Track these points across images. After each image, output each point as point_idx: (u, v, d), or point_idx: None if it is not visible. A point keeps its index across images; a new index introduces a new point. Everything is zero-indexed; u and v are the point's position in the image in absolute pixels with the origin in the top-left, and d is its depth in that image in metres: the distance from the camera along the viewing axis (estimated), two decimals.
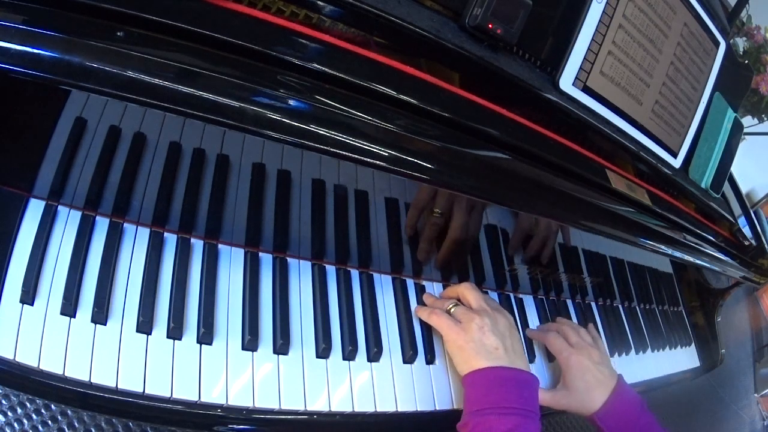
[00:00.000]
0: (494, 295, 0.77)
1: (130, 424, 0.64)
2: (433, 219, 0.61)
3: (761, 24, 1.35)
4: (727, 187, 1.00)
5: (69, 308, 0.47)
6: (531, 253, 0.72)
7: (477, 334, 0.60)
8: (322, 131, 0.42)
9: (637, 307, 1.02)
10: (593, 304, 0.92)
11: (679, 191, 0.83)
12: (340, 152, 0.44)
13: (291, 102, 0.42)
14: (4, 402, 0.59)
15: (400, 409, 0.58)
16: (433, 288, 0.71)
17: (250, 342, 0.53)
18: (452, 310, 0.64)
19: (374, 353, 0.60)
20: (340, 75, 0.45)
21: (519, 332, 0.67)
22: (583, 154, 0.65)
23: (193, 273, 0.54)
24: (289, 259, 0.61)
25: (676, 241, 0.75)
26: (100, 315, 0.48)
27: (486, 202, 0.60)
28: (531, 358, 0.74)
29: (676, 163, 0.82)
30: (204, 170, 0.50)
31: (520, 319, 0.77)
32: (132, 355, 0.48)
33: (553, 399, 0.69)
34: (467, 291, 0.66)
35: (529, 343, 0.75)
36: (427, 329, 0.66)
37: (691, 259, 0.78)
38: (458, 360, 0.61)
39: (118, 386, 0.46)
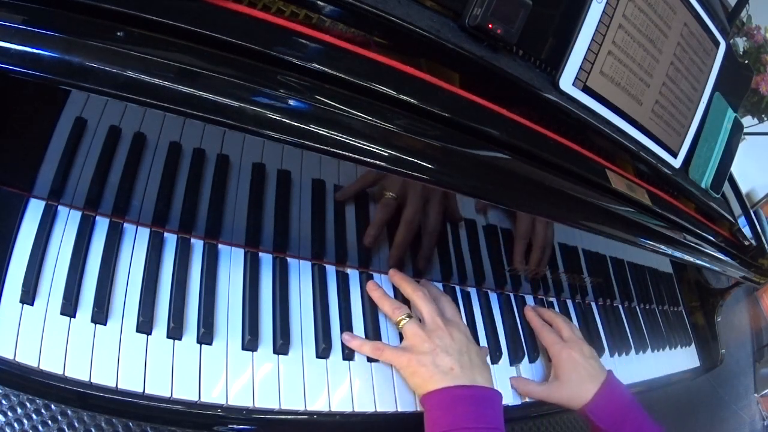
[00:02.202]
0: (494, 296, 0.77)
1: (130, 424, 0.64)
2: (385, 201, 0.56)
3: (761, 24, 1.36)
4: (727, 187, 1.00)
5: (69, 308, 0.47)
6: (534, 261, 0.72)
7: (429, 357, 0.57)
8: (322, 131, 0.42)
9: (637, 307, 1.02)
10: (593, 304, 0.92)
11: (679, 191, 0.83)
12: (340, 152, 0.44)
13: (291, 102, 0.42)
14: (4, 402, 0.59)
15: (400, 409, 0.58)
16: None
17: (250, 342, 0.53)
18: (402, 326, 0.60)
19: None
20: (340, 75, 0.45)
21: (475, 343, 0.63)
22: (583, 154, 0.65)
23: (193, 273, 0.54)
24: (289, 259, 0.61)
25: (676, 241, 0.75)
26: (100, 315, 0.48)
27: (450, 197, 0.58)
28: (533, 358, 0.74)
29: (676, 163, 0.82)
30: (204, 170, 0.50)
31: (520, 318, 0.77)
32: (132, 355, 0.48)
33: (545, 392, 0.70)
34: (420, 302, 0.62)
35: (532, 343, 0.75)
36: None
37: (691, 259, 0.78)
38: (413, 384, 0.58)
39: (118, 386, 0.46)
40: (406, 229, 0.60)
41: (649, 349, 0.99)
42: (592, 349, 0.73)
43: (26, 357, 0.43)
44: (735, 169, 0.99)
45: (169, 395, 0.47)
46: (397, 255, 0.65)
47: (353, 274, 0.65)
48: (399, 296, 0.66)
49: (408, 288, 0.64)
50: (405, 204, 0.58)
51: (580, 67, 0.65)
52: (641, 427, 0.66)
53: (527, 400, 0.70)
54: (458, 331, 0.61)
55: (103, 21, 0.37)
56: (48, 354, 0.44)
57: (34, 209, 0.50)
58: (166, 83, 0.37)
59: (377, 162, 0.45)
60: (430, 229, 0.62)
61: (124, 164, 0.48)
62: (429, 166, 0.48)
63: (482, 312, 0.74)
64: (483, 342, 0.71)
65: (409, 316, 0.61)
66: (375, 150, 0.45)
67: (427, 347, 0.58)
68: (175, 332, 0.50)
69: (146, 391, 0.47)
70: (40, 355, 0.44)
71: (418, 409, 0.59)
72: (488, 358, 0.69)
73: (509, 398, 0.69)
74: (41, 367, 0.44)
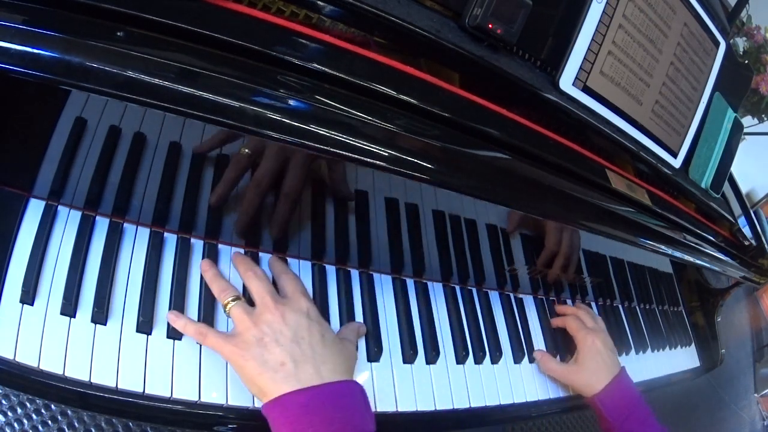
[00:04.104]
0: (494, 295, 0.77)
1: (130, 424, 0.64)
2: (238, 156, 0.48)
3: (761, 24, 1.36)
4: (727, 187, 1.00)
5: (69, 308, 0.47)
6: (558, 269, 0.74)
7: (255, 349, 0.47)
8: (322, 131, 0.42)
9: (637, 307, 1.02)
10: (593, 304, 0.92)
11: (679, 191, 0.83)
12: (340, 152, 0.44)
13: (291, 102, 0.42)
14: (4, 402, 0.59)
15: (400, 409, 0.58)
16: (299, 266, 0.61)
17: None
18: (229, 310, 0.51)
19: (374, 353, 0.60)
20: (340, 75, 0.45)
21: (321, 320, 0.53)
22: (583, 154, 0.65)
23: (193, 273, 0.54)
24: (289, 260, 0.61)
25: (676, 241, 0.75)
26: (100, 315, 0.48)
27: (325, 166, 0.51)
28: (518, 359, 0.74)
29: (676, 163, 0.82)
30: (204, 170, 0.50)
31: (520, 319, 0.77)
32: (132, 355, 0.48)
33: (564, 372, 0.73)
34: (249, 281, 0.53)
35: (532, 343, 0.75)
36: (429, 328, 0.66)
37: (691, 259, 0.78)
38: (245, 383, 0.49)
39: (118, 386, 0.46)
40: (253, 190, 0.52)
41: (649, 349, 0.99)
42: (612, 343, 0.77)
43: (26, 357, 0.43)
44: (735, 169, 0.99)
45: (169, 395, 0.47)
46: (243, 222, 0.55)
47: (353, 274, 0.64)
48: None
49: (241, 265, 0.55)
50: (258, 163, 0.50)
51: (580, 67, 0.64)
52: (645, 424, 0.68)
53: (532, 399, 0.71)
54: (292, 311, 0.51)
55: (103, 21, 0.37)
56: (48, 354, 0.44)
57: (34, 209, 0.50)
58: (166, 83, 0.37)
59: (377, 162, 0.45)
60: (285, 190, 0.52)
61: (124, 164, 0.48)
62: (429, 166, 0.48)
63: (482, 312, 0.74)
64: (483, 342, 0.71)
65: (238, 298, 0.52)
66: (375, 150, 0.45)
67: (252, 335, 0.48)
68: (175, 332, 0.50)
69: (146, 391, 0.47)
70: (40, 355, 0.44)
71: (418, 409, 0.59)
72: (488, 358, 0.69)
73: (511, 398, 0.69)
74: (41, 367, 0.44)
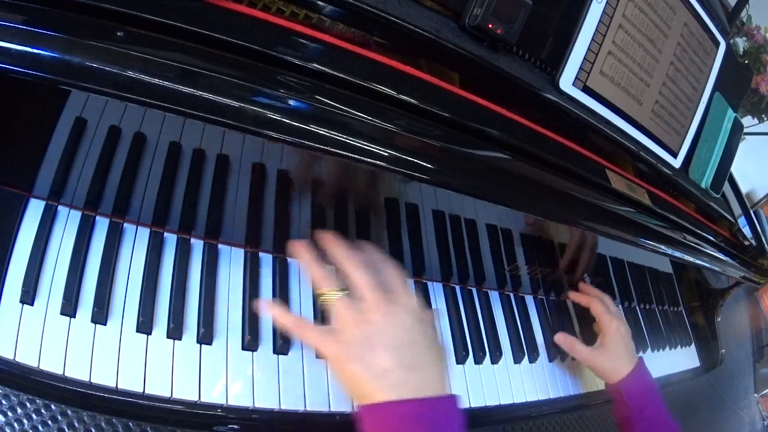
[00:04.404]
0: (494, 295, 0.77)
1: (130, 424, 0.64)
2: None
3: (761, 24, 1.36)
4: (727, 187, 1.00)
5: (69, 308, 0.47)
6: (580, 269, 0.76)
7: (359, 349, 0.44)
8: (322, 131, 0.42)
9: (637, 307, 1.02)
10: None
11: (679, 191, 0.83)
12: (340, 152, 0.44)
13: (291, 102, 0.42)
14: (4, 402, 0.59)
15: None
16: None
17: (250, 342, 0.53)
18: (326, 300, 0.47)
19: None
20: (340, 75, 0.45)
21: (432, 317, 0.50)
22: (583, 154, 0.65)
23: (193, 273, 0.54)
24: (289, 259, 0.61)
25: (676, 241, 0.75)
26: (100, 315, 0.48)
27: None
28: (518, 359, 0.74)
29: (676, 163, 0.82)
30: (204, 170, 0.50)
31: (520, 318, 0.77)
32: (132, 355, 0.48)
33: (589, 354, 0.74)
34: (353, 270, 0.47)
35: (532, 344, 0.75)
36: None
37: (691, 259, 0.78)
38: (343, 382, 0.46)
39: (118, 386, 0.46)
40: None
41: (649, 349, 0.99)
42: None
43: (26, 357, 0.43)
44: (735, 169, 0.99)
45: (169, 395, 0.47)
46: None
47: None
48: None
49: (339, 253, 0.49)
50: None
51: (580, 67, 0.64)
52: (660, 413, 0.70)
53: (532, 399, 0.71)
54: (402, 311, 0.46)
55: (103, 21, 0.37)
56: (48, 354, 0.44)
57: (34, 209, 0.50)
58: (166, 83, 0.37)
59: (377, 162, 0.45)
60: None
61: (124, 164, 0.48)
62: (429, 166, 0.48)
63: (482, 312, 0.74)
64: (483, 342, 0.71)
65: (343, 290, 0.47)
66: (375, 150, 0.45)
67: (358, 334, 0.45)
68: (175, 332, 0.50)
69: (146, 391, 0.47)
70: (40, 355, 0.44)
71: None
72: (488, 358, 0.70)
73: (511, 398, 0.69)
74: (41, 367, 0.44)
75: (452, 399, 0.46)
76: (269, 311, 0.47)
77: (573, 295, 0.81)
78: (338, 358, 0.45)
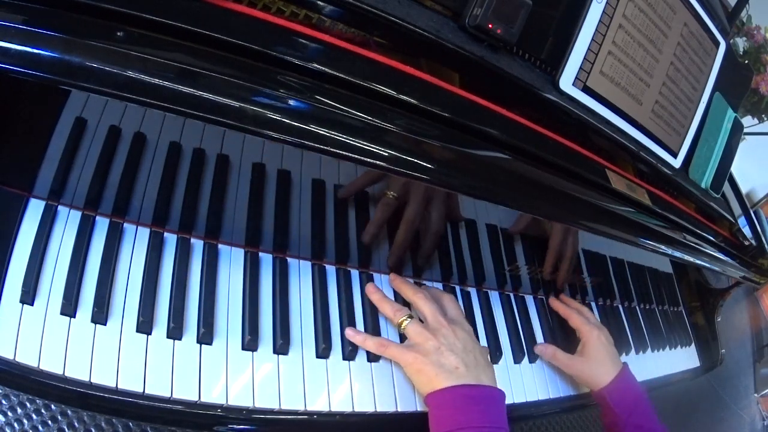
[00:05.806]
0: (494, 295, 0.77)
1: (130, 424, 0.64)
2: (385, 200, 0.56)
3: (761, 24, 1.36)
4: (727, 187, 1.00)
5: (69, 308, 0.47)
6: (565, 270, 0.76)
7: (434, 356, 0.57)
8: (322, 131, 0.42)
9: (637, 307, 1.02)
10: (593, 304, 0.92)
11: (679, 191, 0.83)
12: (340, 152, 0.44)
13: (291, 102, 0.42)
14: (4, 402, 0.59)
15: (400, 409, 0.58)
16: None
17: (250, 342, 0.53)
18: (405, 327, 0.60)
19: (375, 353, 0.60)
20: (340, 75, 0.45)
21: (479, 343, 0.63)
22: (583, 154, 0.65)
23: (193, 273, 0.54)
24: (289, 259, 0.61)
25: (676, 241, 0.75)
26: (100, 315, 0.48)
27: (452, 197, 0.58)
28: (518, 359, 0.74)
29: (676, 163, 0.82)
30: (204, 170, 0.50)
31: (520, 319, 0.77)
32: (132, 355, 0.48)
33: (570, 363, 0.75)
34: (421, 302, 0.63)
35: (532, 344, 0.75)
36: None
37: (691, 259, 0.78)
38: (418, 382, 0.58)
39: (118, 386, 0.46)
40: (407, 228, 0.60)
41: (649, 349, 0.99)
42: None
43: (26, 357, 0.43)
44: (735, 169, 1.00)
45: (169, 395, 0.47)
46: (397, 254, 0.65)
47: (354, 274, 0.65)
48: (399, 300, 0.66)
49: (408, 291, 0.65)
50: (406, 203, 0.58)
51: (580, 67, 0.65)
52: (647, 418, 0.70)
53: (532, 399, 0.71)
54: (462, 330, 0.61)
55: (103, 21, 0.37)
56: (48, 354, 0.44)
57: (34, 209, 0.50)
58: (166, 83, 0.37)
59: (377, 162, 0.45)
60: (432, 229, 0.62)
61: (124, 164, 0.48)
62: (429, 166, 0.48)
63: (482, 312, 0.74)
64: (483, 342, 0.71)
65: (411, 317, 0.61)
66: (375, 150, 0.45)
67: (431, 345, 0.58)
68: (175, 332, 0.50)
69: (146, 391, 0.46)
70: (40, 355, 0.44)
71: (419, 409, 0.59)
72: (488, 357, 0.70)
73: (511, 398, 0.69)
74: (41, 367, 0.44)
75: (499, 391, 0.59)
76: (355, 339, 0.59)
77: (553, 304, 0.82)
78: (415, 364, 0.57)
